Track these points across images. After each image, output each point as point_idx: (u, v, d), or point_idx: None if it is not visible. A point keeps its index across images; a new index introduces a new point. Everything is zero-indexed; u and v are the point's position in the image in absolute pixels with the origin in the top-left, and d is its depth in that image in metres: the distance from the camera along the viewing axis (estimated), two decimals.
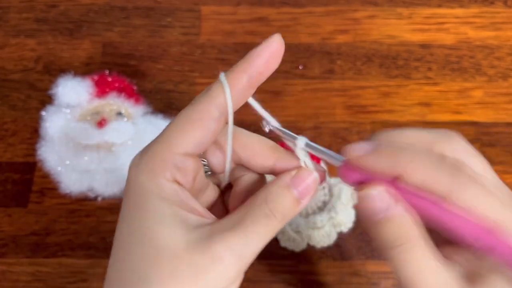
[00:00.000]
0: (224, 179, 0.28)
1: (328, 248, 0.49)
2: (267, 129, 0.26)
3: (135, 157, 0.25)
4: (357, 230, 0.49)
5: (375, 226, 0.24)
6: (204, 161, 0.27)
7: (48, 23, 0.60)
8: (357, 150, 0.24)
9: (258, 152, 0.27)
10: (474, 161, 0.25)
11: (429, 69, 0.58)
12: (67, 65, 0.58)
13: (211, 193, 0.29)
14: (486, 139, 0.54)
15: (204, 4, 0.62)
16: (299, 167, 0.26)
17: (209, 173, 0.28)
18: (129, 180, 0.24)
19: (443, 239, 0.25)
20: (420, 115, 0.55)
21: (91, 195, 0.50)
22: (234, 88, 0.24)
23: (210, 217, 0.25)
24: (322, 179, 0.26)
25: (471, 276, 0.24)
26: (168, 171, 0.24)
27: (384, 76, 0.57)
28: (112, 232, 0.51)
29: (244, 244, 0.23)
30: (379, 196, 0.23)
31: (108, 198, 0.50)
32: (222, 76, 0.24)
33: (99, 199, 0.50)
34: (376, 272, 0.48)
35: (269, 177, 0.28)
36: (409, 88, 0.57)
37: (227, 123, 0.25)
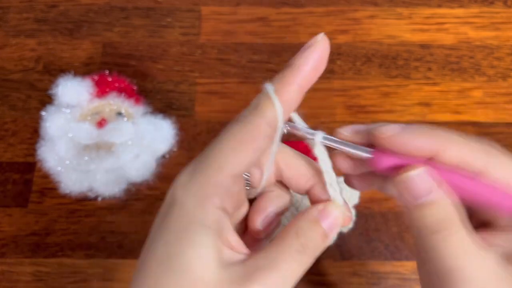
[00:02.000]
0: (254, 193, 0.27)
1: (328, 248, 0.48)
2: (285, 130, 0.25)
3: (182, 175, 0.23)
4: (357, 230, 0.49)
5: (416, 210, 0.23)
6: (248, 175, 0.26)
7: (48, 23, 0.60)
8: (391, 130, 0.23)
9: (303, 173, 0.26)
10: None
11: (429, 69, 0.58)
12: (67, 65, 0.58)
13: (244, 210, 0.27)
14: (486, 139, 0.54)
15: (204, 4, 0.62)
16: (327, 201, 0.26)
17: (247, 188, 0.27)
18: (175, 200, 0.23)
19: (477, 222, 0.24)
20: (420, 115, 0.55)
21: (91, 195, 0.50)
22: (283, 101, 0.23)
23: (242, 251, 0.24)
24: (348, 221, 0.26)
25: (510, 257, 0.23)
26: (218, 196, 0.22)
27: (384, 76, 0.57)
28: (112, 232, 0.51)
29: (280, 283, 0.22)
30: (422, 178, 0.22)
31: (108, 198, 0.50)
32: (270, 88, 0.23)
33: (99, 199, 0.50)
34: (376, 272, 0.48)
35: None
36: (409, 88, 0.57)
37: None
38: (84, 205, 0.50)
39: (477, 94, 0.57)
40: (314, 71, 0.23)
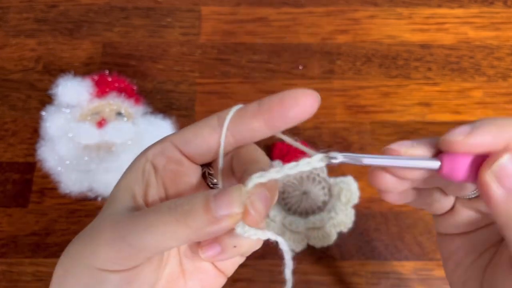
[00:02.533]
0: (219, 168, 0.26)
1: (328, 248, 0.49)
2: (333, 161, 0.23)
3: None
4: (357, 230, 0.49)
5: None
6: (210, 171, 0.26)
7: (48, 23, 0.60)
8: (458, 134, 0.22)
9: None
10: None
11: (429, 69, 0.58)
12: (67, 65, 0.58)
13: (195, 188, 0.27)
14: None
15: (204, 4, 0.62)
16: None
17: (218, 186, 0.26)
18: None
19: None
20: (419, 115, 0.55)
21: (91, 195, 0.50)
22: (243, 120, 0.24)
23: (143, 206, 0.25)
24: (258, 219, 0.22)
25: None
26: (151, 151, 0.25)
27: (384, 76, 0.57)
28: None
29: (132, 230, 0.22)
30: None
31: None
32: (236, 106, 0.24)
33: (99, 199, 0.50)
34: (376, 272, 0.48)
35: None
36: (409, 88, 0.57)
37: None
38: (84, 205, 0.50)
39: (477, 94, 0.57)
40: (285, 116, 0.23)
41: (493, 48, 0.59)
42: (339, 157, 0.22)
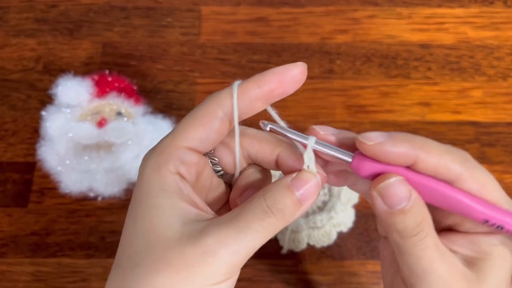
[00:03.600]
0: (235, 178, 0.28)
1: (328, 247, 0.49)
2: (267, 129, 0.26)
3: (146, 153, 0.26)
4: (357, 230, 0.49)
5: (395, 216, 0.24)
6: (215, 159, 0.28)
7: (48, 23, 0.60)
8: (373, 138, 0.24)
9: (266, 146, 0.27)
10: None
11: (429, 69, 0.58)
12: (67, 65, 0.58)
13: (224, 195, 0.29)
14: (485, 139, 0.54)
15: (204, 4, 0.62)
16: (301, 170, 0.25)
17: (221, 172, 0.28)
18: (138, 173, 0.25)
19: (437, 227, 0.26)
20: (419, 115, 0.55)
21: (91, 195, 0.50)
22: (243, 96, 0.25)
23: (210, 212, 0.25)
24: (323, 183, 0.26)
25: (468, 261, 0.25)
26: (172, 163, 0.24)
27: (383, 76, 0.57)
28: (112, 232, 0.51)
29: (238, 240, 0.22)
30: (401, 185, 0.24)
31: (108, 198, 0.50)
32: (235, 83, 0.25)
33: (99, 199, 0.50)
34: (375, 271, 0.48)
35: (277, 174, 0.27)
36: (409, 88, 0.57)
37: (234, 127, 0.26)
38: (84, 205, 0.50)
39: (477, 94, 0.57)
40: (279, 83, 0.25)
41: (493, 48, 0.59)
42: (267, 126, 0.26)
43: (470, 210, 0.24)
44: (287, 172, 0.26)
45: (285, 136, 0.26)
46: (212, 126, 0.25)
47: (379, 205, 0.24)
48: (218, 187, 0.28)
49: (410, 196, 0.24)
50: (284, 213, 0.24)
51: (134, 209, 0.25)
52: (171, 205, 0.24)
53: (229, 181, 0.29)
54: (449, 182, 0.24)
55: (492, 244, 0.25)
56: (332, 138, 0.26)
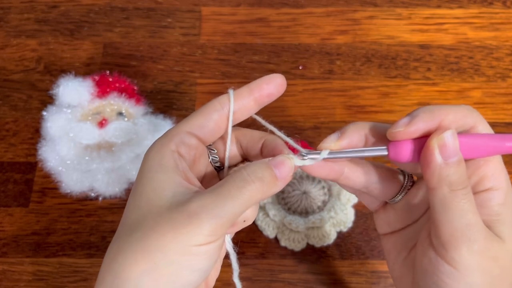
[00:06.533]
0: (225, 168, 0.31)
1: (328, 247, 0.49)
2: (307, 158, 0.29)
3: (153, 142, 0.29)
4: (357, 229, 0.49)
5: (450, 167, 0.26)
6: (213, 150, 0.31)
7: (49, 24, 0.61)
8: (401, 124, 0.27)
9: (255, 141, 0.31)
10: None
11: (428, 69, 0.58)
12: (68, 66, 0.58)
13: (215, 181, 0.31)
14: None
15: (204, 5, 0.62)
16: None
17: (218, 164, 0.31)
18: (143, 158, 0.28)
19: None
20: None
21: (92, 194, 0.50)
22: (238, 100, 0.29)
23: (200, 187, 0.28)
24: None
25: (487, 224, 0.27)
26: (173, 142, 0.28)
27: (383, 77, 0.58)
28: (113, 231, 0.51)
29: (218, 204, 0.25)
30: (453, 138, 0.26)
31: (109, 197, 0.50)
32: (230, 90, 0.30)
33: (100, 198, 0.50)
34: (375, 271, 0.48)
35: None
36: (408, 88, 0.57)
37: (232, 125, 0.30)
38: (85, 204, 0.51)
39: (476, 94, 0.57)
40: (269, 90, 0.30)
41: (492, 49, 0.59)
42: (307, 158, 0.28)
43: (501, 142, 0.27)
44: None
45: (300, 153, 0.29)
46: (211, 116, 0.29)
47: (436, 156, 0.26)
48: (212, 180, 0.31)
49: (458, 151, 0.26)
50: (263, 181, 0.26)
51: (134, 186, 0.28)
52: (166, 178, 0.27)
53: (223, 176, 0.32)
54: (468, 130, 0.27)
55: (500, 204, 0.27)
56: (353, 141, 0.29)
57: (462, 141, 0.26)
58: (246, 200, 0.26)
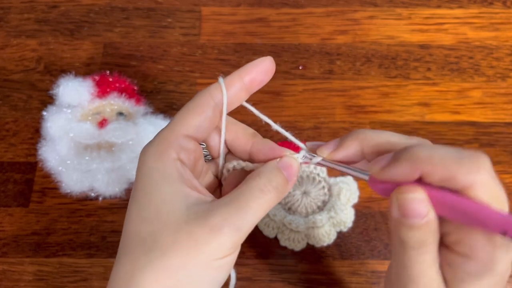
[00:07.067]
0: (220, 161, 0.31)
1: (328, 247, 0.49)
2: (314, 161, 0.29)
3: (144, 146, 0.28)
4: (357, 229, 0.49)
5: (403, 226, 0.25)
6: (203, 144, 0.31)
7: (49, 24, 0.61)
8: (378, 163, 0.26)
9: (240, 136, 0.30)
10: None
11: (428, 69, 0.58)
12: (68, 66, 0.58)
13: (210, 180, 0.32)
14: (484, 139, 0.54)
15: (204, 5, 0.62)
16: (283, 155, 0.29)
17: (209, 156, 0.32)
18: (139, 164, 0.27)
19: None
20: (419, 115, 0.55)
21: (92, 194, 0.50)
22: (229, 88, 0.28)
23: (209, 195, 0.28)
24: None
25: (448, 282, 0.26)
26: (173, 149, 0.27)
27: (383, 77, 0.58)
28: (113, 231, 0.51)
29: (239, 217, 0.25)
30: (422, 203, 0.24)
31: (109, 197, 0.50)
32: (220, 78, 0.29)
33: (100, 198, 0.50)
34: (375, 271, 0.48)
35: None
36: (408, 88, 0.57)
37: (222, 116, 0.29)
38: (85, 204, 0.51)
39: (476, 94, 0.57)
40: (259, 74, 0.29)
41: (492, 49, 0.59)
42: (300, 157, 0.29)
43: (486, 220, 0.23)
44: (261, 159, 0.29)
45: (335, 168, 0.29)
46: (206, 115, 0.28)
47: (394, 211, 0.25)
48: (207, 175, 0.31)
49: (425, 216, 0.24)
50: (278, 190, 0.27)
51: (137, 197, 0.27)
52: (174, 190, 0.26)
53: (215, 172, 0.32)
54: (459, 192, 0.24)
55: (471, 275, 0.25)
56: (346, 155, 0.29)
57: (437, 200, 0.24)
58: (265, 211, 0.26)
